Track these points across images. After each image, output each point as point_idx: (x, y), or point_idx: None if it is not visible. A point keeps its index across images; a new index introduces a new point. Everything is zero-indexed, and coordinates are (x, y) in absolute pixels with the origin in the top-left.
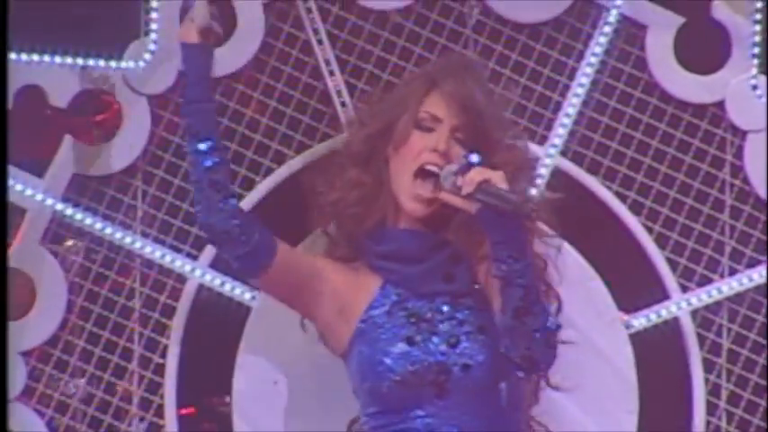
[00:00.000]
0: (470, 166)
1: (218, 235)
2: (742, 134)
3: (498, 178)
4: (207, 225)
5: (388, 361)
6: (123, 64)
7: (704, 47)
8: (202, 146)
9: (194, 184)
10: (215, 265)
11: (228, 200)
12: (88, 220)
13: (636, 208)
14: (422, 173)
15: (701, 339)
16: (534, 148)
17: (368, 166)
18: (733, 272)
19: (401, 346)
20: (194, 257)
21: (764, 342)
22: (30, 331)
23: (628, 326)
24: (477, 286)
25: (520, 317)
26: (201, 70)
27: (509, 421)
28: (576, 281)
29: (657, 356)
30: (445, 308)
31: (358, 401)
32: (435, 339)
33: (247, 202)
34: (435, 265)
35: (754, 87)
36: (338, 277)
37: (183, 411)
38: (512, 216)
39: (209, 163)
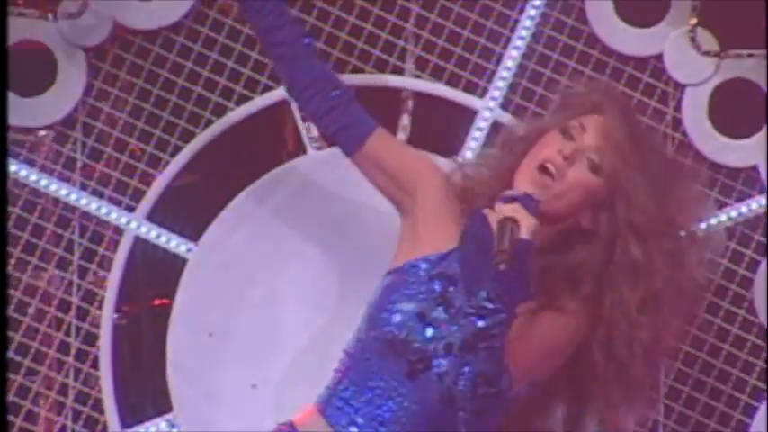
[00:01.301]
0: (533, 209)
1: (333, 108)
2: (681, 87)
3: (526, 225)
4: (326, 100)
5: (396, 315)
6: (59, 15)
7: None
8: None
9: (296, 88)
10: (152, 217)
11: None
12: (22, 173)
13: None
14: (541, 168)
15: None
16: (475, 101)
17: (511, 153)
18: None
19: (411, 313)
20: (131, 210)
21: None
22: None
23: None
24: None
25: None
26: None
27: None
28: None
29: None
30: (471, 314)
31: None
32: (440, 332)
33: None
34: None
35: (693, 40)
36: (426, 213)
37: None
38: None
39: (297, 47)
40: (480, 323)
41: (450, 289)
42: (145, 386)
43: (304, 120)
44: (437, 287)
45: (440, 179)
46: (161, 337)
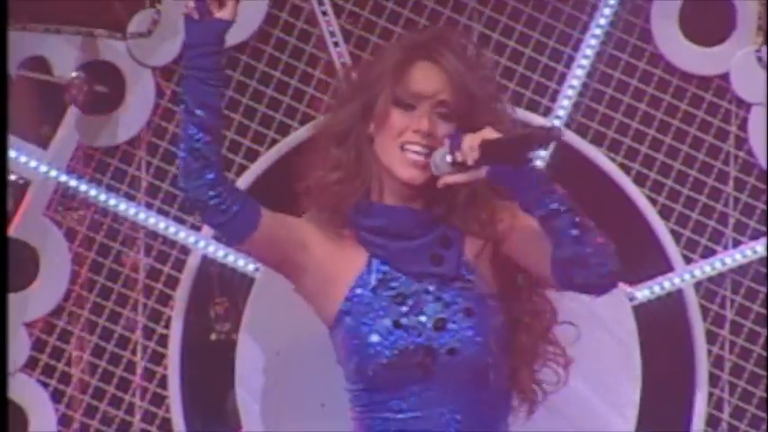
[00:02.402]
0: (459, 137)
1: (192, 202)
2: (746, 106)
3: (491, 132)
4: (182, 190)
5: (373, 341)
6: (128, 35)
7: (709, 18)
8: (199, 111)
9: (179, 144)
10: (219, 236)
11: (207, 171)
12: (92, 192)
13: (640, 180)
14: (403, 147)
15: (705, 311)
16: (539, 119)
17: (347, 144)
18: (737, 244)
19: (387, 327)
20: (198, 229)
21: (767, 314)
22: (33, 302)
23: (631, 298)
24: (466, 271)
25: (583, 237)
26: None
27: (497, 405)
28: None
29: (660, 328)
30: (432, 288)
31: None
32: (421, 321)
33: (250, 174)
34: (424, 244)
35: (759, 59)
36: (323, 250)
37: None
38: (525, 156)
39: (193, 131)
40: (447, 297)
41: (395, 284)
42: (213, 406)
43: None
44: (387, 293)
45: (307, 219)
46: (229, 356)
